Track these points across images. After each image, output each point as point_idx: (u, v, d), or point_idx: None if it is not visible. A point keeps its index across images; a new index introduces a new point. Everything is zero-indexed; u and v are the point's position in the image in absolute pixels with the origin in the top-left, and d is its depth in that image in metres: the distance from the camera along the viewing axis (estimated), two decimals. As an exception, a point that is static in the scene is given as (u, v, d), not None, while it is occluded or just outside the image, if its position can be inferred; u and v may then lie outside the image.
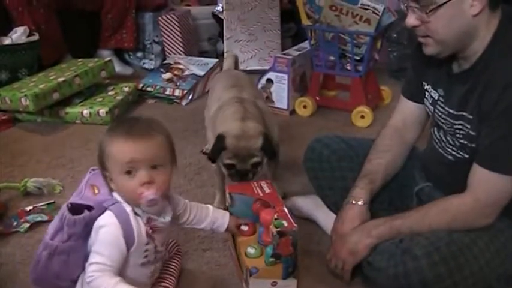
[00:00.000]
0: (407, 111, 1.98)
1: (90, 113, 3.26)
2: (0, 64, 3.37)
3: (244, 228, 1.94)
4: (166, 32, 4.20)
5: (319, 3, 3.18)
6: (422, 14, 1.61)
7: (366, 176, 1.91)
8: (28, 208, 2.32)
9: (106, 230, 1.56)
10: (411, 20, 1.66)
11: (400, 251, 1.65)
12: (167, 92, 3.63)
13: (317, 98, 3.34)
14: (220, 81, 2.59)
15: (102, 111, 3.24)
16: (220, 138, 2.13)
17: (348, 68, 3.22)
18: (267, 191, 2.02)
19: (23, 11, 3.58)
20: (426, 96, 1.86)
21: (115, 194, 1.61)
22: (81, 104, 3.36)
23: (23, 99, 3.13)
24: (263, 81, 3.38)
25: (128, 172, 1.53)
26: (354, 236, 1.77)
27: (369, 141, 2.05)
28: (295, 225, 1.78)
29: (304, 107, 3.33)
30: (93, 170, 1.74)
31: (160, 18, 4.22)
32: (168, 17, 4.20)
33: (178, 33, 4.18)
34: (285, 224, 1.78)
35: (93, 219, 1.59)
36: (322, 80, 3.42)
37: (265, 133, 2.16)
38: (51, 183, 2.52)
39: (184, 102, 3.58)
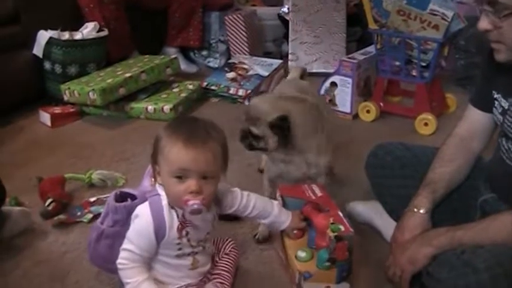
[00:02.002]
0: (474, 120, 1.94)
1: (154, 109, 3.32)
2: (70, 58, 3.45)
3: (293, 231, 1.94)
4: (231, 31, 4.23)
5: (387, 8, 3.14)
6: (496, 19, 1.57)
7: (429, 184, 1.88)
8: (92, 199, 2.38)
9: (139, 221, 1.63)
10: (484, 24, 1.61)
11: (462, 263, 1.61)
12: (231, 91, 3.65)
13: (381, 104, 3.31)
14: (283, 87, 2.50)
15: (167, 107, 3.29)
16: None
17: (414, 74, 3.18)
18: (319, 194, 2.02)
19: (94, 8, 3.66)
20: (495, 105, 1.82)
21: (157, 186, 1.65)
22: (146, 99, 3.42)
23: (90, 93, 3.21)
24: (327, 84, 3.37)
25: (179, 177, 1.57)
26: (414, 244, 1.74)
27: (433, 149, 2.01)
28: (352, 230, 1.77)
29: (368, 111, 3.30)
30: None
31: (226, 17, 4.25)
32: (235, 16, 4.23)
33: (244, 33, 4.20)
34: (342, 228, 1.77)
35: (134, 208, 1.67)
36: (386, 86, 3.38)
37: (286, 116, 1.98)
38: (114, 176, 2.57)
39: (247, 102, 3.60)
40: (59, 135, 3.19)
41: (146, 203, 1.64)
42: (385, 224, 2.10)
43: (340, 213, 1.87)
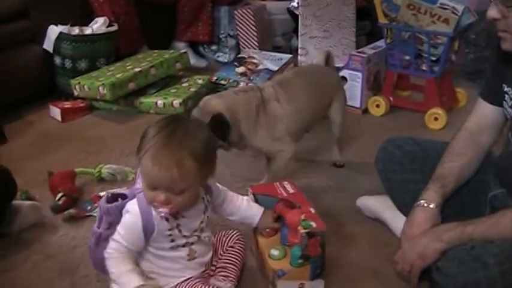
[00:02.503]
0: (484, 114, 1.93)
1: (164, 104, 3.32)
2: (80, 53, 3.47)
3: (266, 229, 1.94)
4: (241, 26, 4.23)
5: (397, 2, 3.13)
6: (504, 8, 1.58)
7: (438, 179, 1.87)
8: (102, 193, 2.39)
9: (127, 216, 1.64)
10: (492, 12, 1.62)
11: (471, 258, 1.60)
12: (240, 86, 3.65)
13: (390, 98, 3.30)
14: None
15: (176, 102, 3.29)
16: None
17: (424, 68, 3.16)
18: (291, 191, 2.00)
19: (103, 2, 3.67)
20: (505, 98, 1.81)
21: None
22: (156, 94, 3.43)
23: (100, 88, 3.22)
24: (336, 78, 3.36)
25: (149, 187, 1.58)
26: (424, 239, 1.74)
27: (442, 144, 2.01)
28: (323, 225, 1.77)
29: (377, 106, 3.29)
30: None
31: (236, 12, 4.24)
32: (244, 11, 4.22)
33: (253, 28, 4.20)
34: (314, 224, 1.76)
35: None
36: (396, 80, 3.38)
37: (219, 115, 2.12)
38: (124, 171, 2.58)
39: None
40: (69, 130, 3.21)
41: (134, 200, 1.65)
42: (395, 219, 2.09)
43: (312, 210, 1.85)
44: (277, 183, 2.06)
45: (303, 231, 1.73)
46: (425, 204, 1.82)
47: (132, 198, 1.67)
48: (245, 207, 1.91)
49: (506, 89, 1.80)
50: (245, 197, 1.96)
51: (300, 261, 1.76)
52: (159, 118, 1.66)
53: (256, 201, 2.00)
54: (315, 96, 2.44)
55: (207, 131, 1.67)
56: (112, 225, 1.69)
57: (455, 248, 1.67)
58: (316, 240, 1.73)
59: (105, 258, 1.65)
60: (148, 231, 1.62)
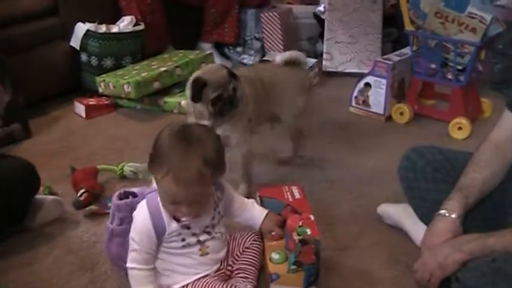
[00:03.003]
0: (510, 126, 1.91)
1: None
2: (106, 51, 3.50)
3: (273, 232, 1.93)
4: (267, 29, 4.23)
5: (424, 10, 3.11)
6: None
7: (461, 189, 1.85)
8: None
9: (137, 219, 1.67)
10: None
11: (492, 271, 1.59)
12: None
13: (415, 106, 3.28)
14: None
15: (200, 103, 3.30)
16: (197, 79, 2.25)
17: (449, 77, 3.14)
18: (297, 196, 2.03)
19: (131, 1, 3.70)
20: None
21: (154, 183, 1.67)
22: (180, 94, 3.44)
23: (125, 86, 3.24)
24: (361, 84, 3.35)
25: (172, 203, 1.61)
26: (445, 249, 1.72)
27: (466, 154, 1.98)
28: (318, 234, 1.77)
29: (401, 113, 3.28)
30: None
31: (262, 15, 4.24)
32: (270, 14, 4.22)
33: (279, 31, 4.19)
34: (308, 232, 1.77)
35: (136, 205, 1.71)
36: (421, 88, 3.36)
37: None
38: (146, 169, 2.59)
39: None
40: (93, 127, 3.24)
41: (143, 202, 1.68)
42: (415, 228, 2.08)
43: (312, 217, 1.86)
44: (286, 187, 2.09)
45: (296, 237, 1.74)
46: (447, 214, 1.80)
47: (141, 198, 1.71)
48: (249, 209, 1.93)
49: None
50: (250, 200, 1.97)
51: (293, 267, 1.76)
52: (183, 118, 1.68)
53: (263, 204, 2.02)
54: (265, 93, 2.48)
55: (214, 132, 1.73)
56: (123, 221, 1.75)
57: (476, 260, 1.66)
58: (310, 248, 1.73)
59: (127, 268, 1.68)
60: (159, 231, 1.65)
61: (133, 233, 1.67)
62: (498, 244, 1.64)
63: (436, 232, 1.80)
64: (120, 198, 1.80)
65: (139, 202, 1.71)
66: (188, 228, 1.68)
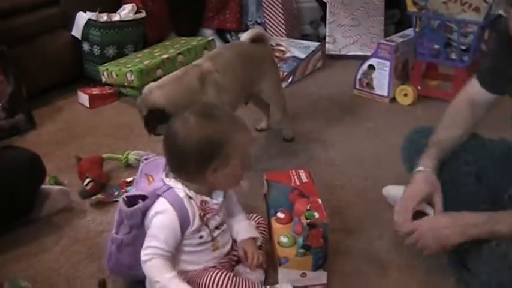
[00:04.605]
0: (478, 92, 1.91)
1: (191, 91, 3.33)
2: (108, 40, 3.49)
3: (281, 216, 1.91)
4: (269, 13, 4.21)
5: (427, -10, 3.10)
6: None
7: (436, 144, 1.91)
8: (129, 179, 2.41)
9: (162, 217, 1.60)
10: None
11: (496, 257, 1.57)
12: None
13: (419, 87, 3.27)
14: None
15: (203, 89, 3.30)
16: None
17: (453, 57, 3.13)
18: (304, 180, 2.02)
19: (132, -11, 3.68)
20: None
21: (167, 180, 1.65)
22: (183, 81, 3.43)
23: (128, 74, 3.24)
24: (364, 67, 3.34)
25: (243, 164, 1.65)
26: (447, 229, 1.69)
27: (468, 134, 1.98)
28: (326, 217, 1.77)
29: (405, 95, 3.26)
30: (145, 159, 1.80)
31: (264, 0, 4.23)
32: (272, -1, 4.20)
33: (281, 15, 4.17)
34: (316, 215, 1.76)
35: (148, 208, 1.64)
36: (424, 69, 3.34)
37: (158, 109, 2.25)
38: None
39: (284, 84, 3.57)
40: (96, 116, 3.24)
41: (163, 200, 1.62)
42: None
43: (319, 200, 1.85)
44: (293, 171, 2.08)
45: (304, 221, 1.74)
46: (422, 169, 1.86)
47: (154, 199, 1.64)
48: (238, 224, 1.83)
49: None
50: (244, 218, 1.87)
51: (301, 251, 1.75)
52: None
53: (269, 187, 2.01)
54: (245, 68, 2.50)
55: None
56: (133, 229, 1.68)
57: (481, 245, 1.63)
58: (318, 232, 1.73)
59: (142, 264, 1.61)
60: (185, 226, 1.61)
61: (156, 231, 1.60)
62: (503, 231, 1.62)
63: (413, 183, 1.84)
64: (127, 204, 1.69)
65: (150, 204, 1.64)
66: (207, 225, 1.67)
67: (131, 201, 1.68)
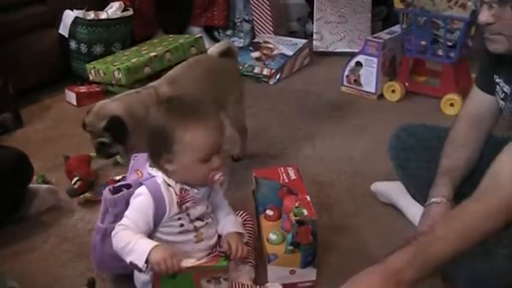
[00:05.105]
0: (481, 101, 1.90)
1: (179, 89, 3.33)
2: (96, 38, 3.48)
3: (270, 213, 1.93)
4: (256, 10, 4.20)
5: (413, -13, 3.11)
6: (503, 10, 1.55)
7: (445, 173, 1.85)
8: (117, 178, 2.39)
9: (138, 199, 1.64)
10: (484, 17, 1.60)
11: (483, 250, 1.57)
12: (255, 71, 3.65)
13: (406, 84, 3.28)
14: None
15: (191, 87, 3.30)
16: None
17: (440, 53, 3.14)
18: (293, 177, 2.01)
19: (119, -13, 3.67)
20: (497, 89, 1.79)
21: (150, 170, 1.67)
22: (171, 79, 3.43)
23: (115, 73, 3.23)
24: (352, 63, 3.35)
25: (205, 160, 1.60)
26: None
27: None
28: (315, 214, 1.77)
29: (393, 91, 3.28)
30: (135, 156, 1.86)
31: (251, -4, 4.23)
32: (259, -5, 4.20)
33: (268, 12, 4.17)
34: (305, 212, 1.76)
35: (131, 196, 1.68)
36: (412, 65, 3.36)
37: (116, 117, 2.18)
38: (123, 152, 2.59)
39: (272, 82, 3.59)
40: (84, 114, 3.21)
41: (143, 186, 1.65)
42: (408, 205, 2.09)
43: (308, 197, 1.85)
44: (281, 168, 2.07)
45: (293, 218, 1.74)
46: (438, 201, 1.79)
47: (137, 187, 1.68)
48: (224, 219, 1.80)
49: (497, 80, 1.78)
50: (231, 212, 1.85)
51: (290, 248, 1.76)
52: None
53: (258, 184, 2.01)
54: (207, 89, 2.32)
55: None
56: (117, 218, 1.69)
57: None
58: (307, 229, 1.73)
59: (112, 238, 1.62)
60: (160, 212, 1.63)
61: (129, 212, 1.64)
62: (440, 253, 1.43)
63: (430, 218, 1.78)
64: (112, 193, 1.76)
65: (133, 192, 1.68)
66: (188, 214, 1.67)
67: (116, 191, 1.75)
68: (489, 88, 1.85)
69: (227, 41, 2.67)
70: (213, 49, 2.59)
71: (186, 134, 1.57)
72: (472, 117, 1.91)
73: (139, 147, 2.08)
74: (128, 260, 1.56)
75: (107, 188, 1.79)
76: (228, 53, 2.56)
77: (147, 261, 1.53)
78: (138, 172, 1.80)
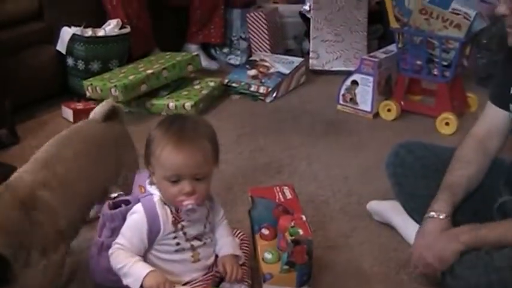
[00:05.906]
0: (493, 118, 1.93)
1: (175, 106, 3.34)
2: (93, 55, 3.48)
3: (265, 232, 1.93)
4: (253, 28, 4.23)
5: (409, 6, 3.13)
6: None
7: (447, 188, 1.86)
8: (113, 195, 2.39)
9: (132, 217, 1.67)
10: (502, 8, 1.66)
11: (484, 262, 1.60)
12: (252, 89, 3.66)
13: (402, 103, 3.30)
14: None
15: (188, 104, 3.31)
16: None
17: (435, 73, 3.16)
18: (289, 196, 2.02)
19: (116, 5, 3.67)
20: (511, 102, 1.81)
21: (149, 187, 1.69)
22: (168, 96, 3.44)
23: (112, 90, 3.24)
24: (348, 82, 3.36)
25: (172, 181, 1.60)
26: (441, 242, 1.71)
27: (453, 150, 2.00)
28: (311, 233, 1.77)
29: (388, 110, 3.29)
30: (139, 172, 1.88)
31: (248, 15, 4.25)
32: (256, 14, 4.23)
33: (265, 31, 4.20)
34: (301, 232, 1.77)
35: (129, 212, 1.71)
36: (407, 84, 3.37)
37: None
38: (136, 173, 2.59)
39: (268, 100, 3.60)
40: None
41: (139, 204, 1.68)
42: (404, 224, 2.09)
43: (303, 217, 1.86)
44: (277, 187, 2.07)
45: (289, 238, 1.74)
46: (436, 216, 1.81)
47: (135, 203, 1.70)
48: (223, 241, 1.80)
49: None
50: (233, 231, 1.88)
51: (286, 267, 1.77)
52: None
53: (254, 203, 2.01)
54: (94, 167, 1.92)
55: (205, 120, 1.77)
56: (114, 232, 1.71)
57: (469, 252, 1.66)
58: (302, 248, 1.74)
59: (109, 256, 1.65)
60: (154, 230, 1.64)
61: (124, 229, 1.67)
62: (489, 237, 1.65)
63: (427, 232, 1.80)
64: (111, 208, 1.78)
65: (131, 208, 1.71)
66: (184, 233, 1.67)
67: (116, 206, 1.78)
68: (503, 101, 1.87)
69: (110, 100, 2.17)
70: (94, 114, 2.09)
71: (158, 148, 1.59)
72: (481, 137, 1.93)
73: None
74: (124, 282, 1.61)
75: (106, 203, 1.81)
76: (113, 115, 2.11)
77: (141, 287, 1.56)
78: (141, 188, 1.81)
